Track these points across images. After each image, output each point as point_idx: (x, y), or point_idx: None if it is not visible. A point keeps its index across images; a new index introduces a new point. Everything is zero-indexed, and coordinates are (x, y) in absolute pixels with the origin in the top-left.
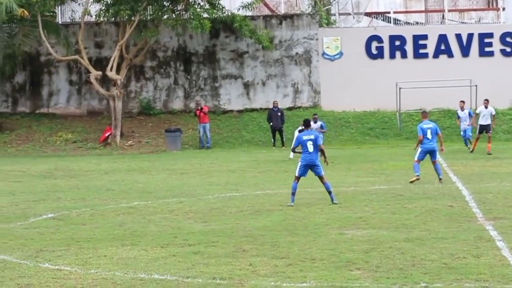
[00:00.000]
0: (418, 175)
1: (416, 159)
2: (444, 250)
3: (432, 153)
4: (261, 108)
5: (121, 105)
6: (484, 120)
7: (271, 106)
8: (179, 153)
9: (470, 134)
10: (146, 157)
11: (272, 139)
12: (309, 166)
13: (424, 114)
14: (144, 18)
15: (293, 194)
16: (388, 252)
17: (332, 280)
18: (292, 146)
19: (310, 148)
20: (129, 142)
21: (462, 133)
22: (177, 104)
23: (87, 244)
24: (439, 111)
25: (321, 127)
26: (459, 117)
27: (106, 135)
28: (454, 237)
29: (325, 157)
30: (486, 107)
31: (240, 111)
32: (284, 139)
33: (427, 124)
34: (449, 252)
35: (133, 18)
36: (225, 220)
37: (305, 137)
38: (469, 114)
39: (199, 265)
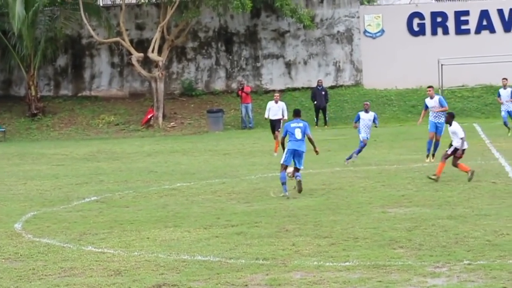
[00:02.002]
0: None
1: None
2: (487, 227)
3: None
4: (302, 87)
5: (163, 86)
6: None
7: (312, 85)
8: (221, 134)
9: None
10: (188, 138)
11: (315, 118)
12: (295, 153)
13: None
14: None
15: (284, 184)
16: (431, 229)
17: (375, 259)
18: (280, 137)
19: (298, 135)
20: (172, 123)
21: (503, 113)
22: (219, 84)
23: (130, 226)
24: (482, 87)
25: (374, 120)
26: (499, 95)
27: (149, 117)
28: (497, 213)
29: (314, 146)
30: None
31: (282, 91)
32: (327, 118)
33: None
34: (492, 229)
35: None
36: (267, 200)
37: (293, 125)
38: None
39: (242, 246)
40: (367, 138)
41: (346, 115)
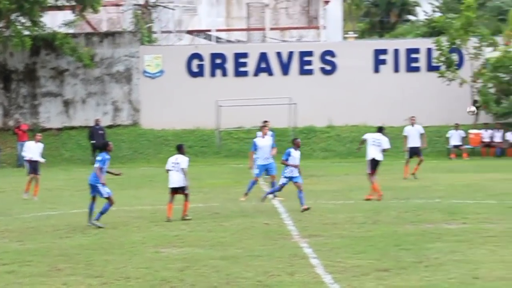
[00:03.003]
0: None
1: None
2: (259, 267)
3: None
4: (80, 126)
5: None
6: (414, 142)
7: (90, 124)
8: None
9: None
10: None
11: (92, 157)
12: (90, 186)
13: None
14: None
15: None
16: (203, 270)
17: None
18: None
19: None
20: None
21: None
22: None
23: None
24: (258, 129)
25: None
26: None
27: None
28: (269, 254)
29: (112, 173)
30: (413, 125)
31: (59, 129)
32: None
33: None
34: (263, 269)
35: None
36: (41, 239)
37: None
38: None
39: (12, 285)
40: None
41: (123, 154)
